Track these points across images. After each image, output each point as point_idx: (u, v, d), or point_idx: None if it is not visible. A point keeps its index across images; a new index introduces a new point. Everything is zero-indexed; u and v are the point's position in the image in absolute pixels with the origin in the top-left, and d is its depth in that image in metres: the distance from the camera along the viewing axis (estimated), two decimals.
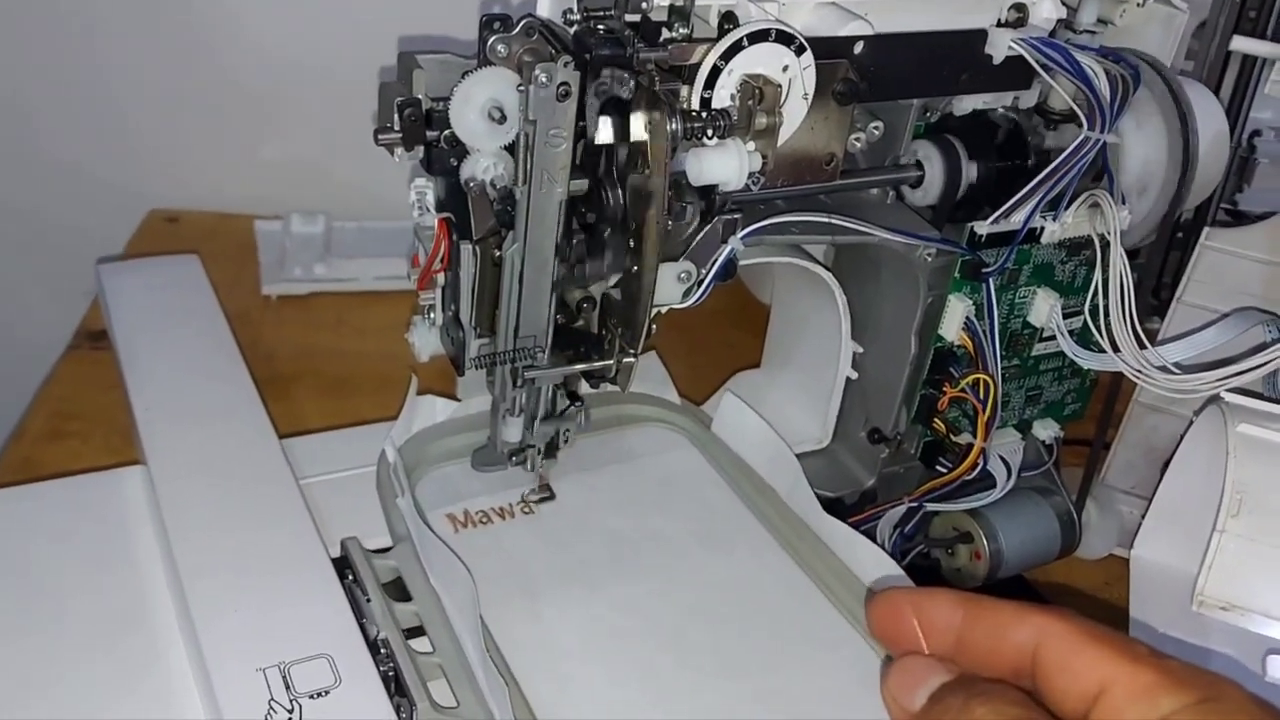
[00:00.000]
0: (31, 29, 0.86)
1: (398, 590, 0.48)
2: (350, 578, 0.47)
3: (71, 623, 0.45)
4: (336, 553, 0.49)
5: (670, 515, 0.56)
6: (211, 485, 0.50)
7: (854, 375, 0.60)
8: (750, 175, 0.45)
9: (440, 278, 0.48)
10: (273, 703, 0.39)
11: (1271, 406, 0.48)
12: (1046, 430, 0.63)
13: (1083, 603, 0.65)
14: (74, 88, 0.89)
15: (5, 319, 0.98)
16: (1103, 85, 0.51)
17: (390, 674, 0.43)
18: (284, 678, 0.40)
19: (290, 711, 0.39)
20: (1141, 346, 0.52)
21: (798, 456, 0.58)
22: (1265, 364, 0.45)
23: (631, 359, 0.49)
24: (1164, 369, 0.50)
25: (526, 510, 0.55)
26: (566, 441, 0.53)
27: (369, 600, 0.46)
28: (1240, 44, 0.59)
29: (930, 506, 0.61)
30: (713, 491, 0.58)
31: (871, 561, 0.51)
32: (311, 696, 0.40)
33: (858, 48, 0.47)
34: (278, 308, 0.82)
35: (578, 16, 0.45)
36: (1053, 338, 0.59)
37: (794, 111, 0.45)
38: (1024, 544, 0.61)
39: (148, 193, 0.92)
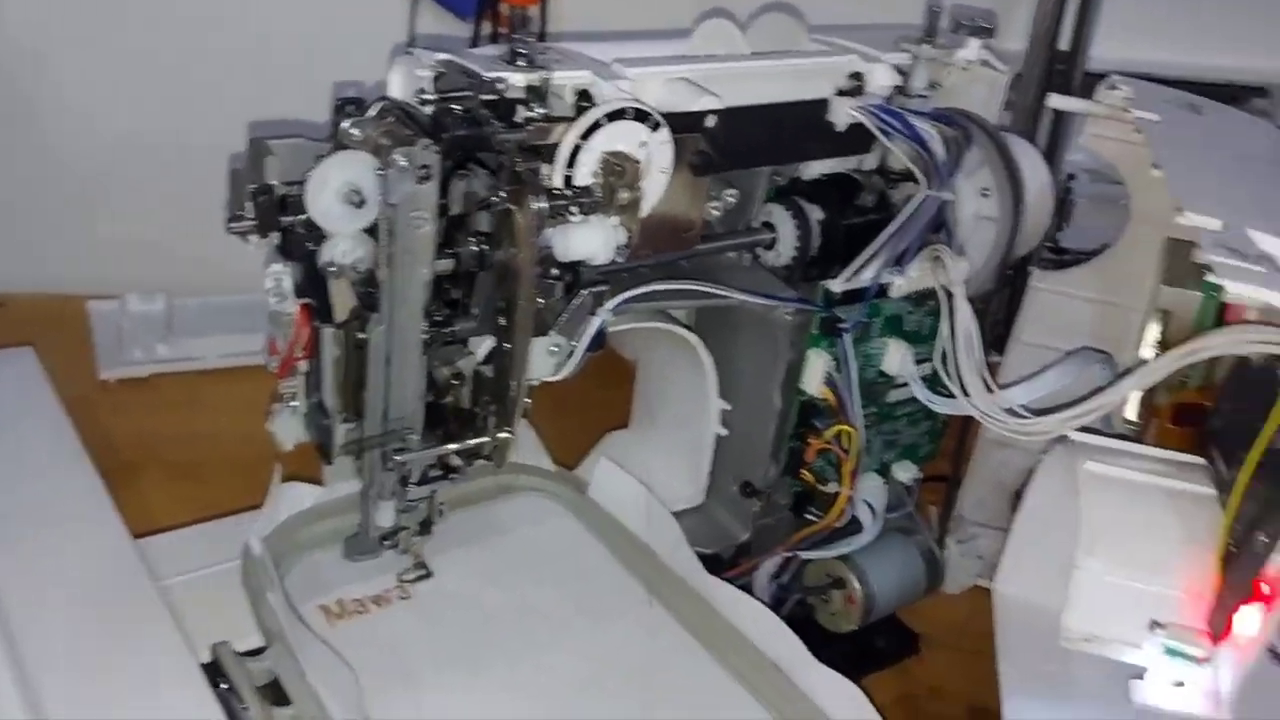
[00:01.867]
0: None
1: (275, 693, 0.46)
2: (224, 685, 0.45)
3: None
4: (206, 658, 0.46)
5: (552, 586, 0.55)
6: (65, 598, 0.47)
7: (723, 432, 0.61)
8: (616, 249, 0.45)
9: (302, 364, 0.47)
10: None
11: (1114, 443, 0.51)
12: (906, 472, 0.65)
13: (952, 636, 0.67)
14: None
15: None
16: (938, 146, 0.54)
17: None
18: None
19: None
20: (989, 390, 0.55)
21: (673, 515, 0.59)
22: (1103, 406, 0.48)
23: (507, 435, 0.48)
24: (1012, 412, 0.52)
25: (403, 595, 0.53)
26: (441, 515, 0.52)
27: (246, 709, 0.44)
28: (1055, 102, 0.64)
29: (804, 555, 0.63)
30: (593, 558, 0.58)
31: (754, 618, 0.52)
32: None
33: (710, 121, 0.48)
34: (117, 392, 0.78)
35: (433, 97, 0.45)
36: (906, 385, 0.61)
37: (654, 185, 0.46)
38: (893, 584, 0.64)
39: None
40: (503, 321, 0.46)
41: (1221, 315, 0.54)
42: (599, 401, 0.76)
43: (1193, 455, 0.50)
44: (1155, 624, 0.45)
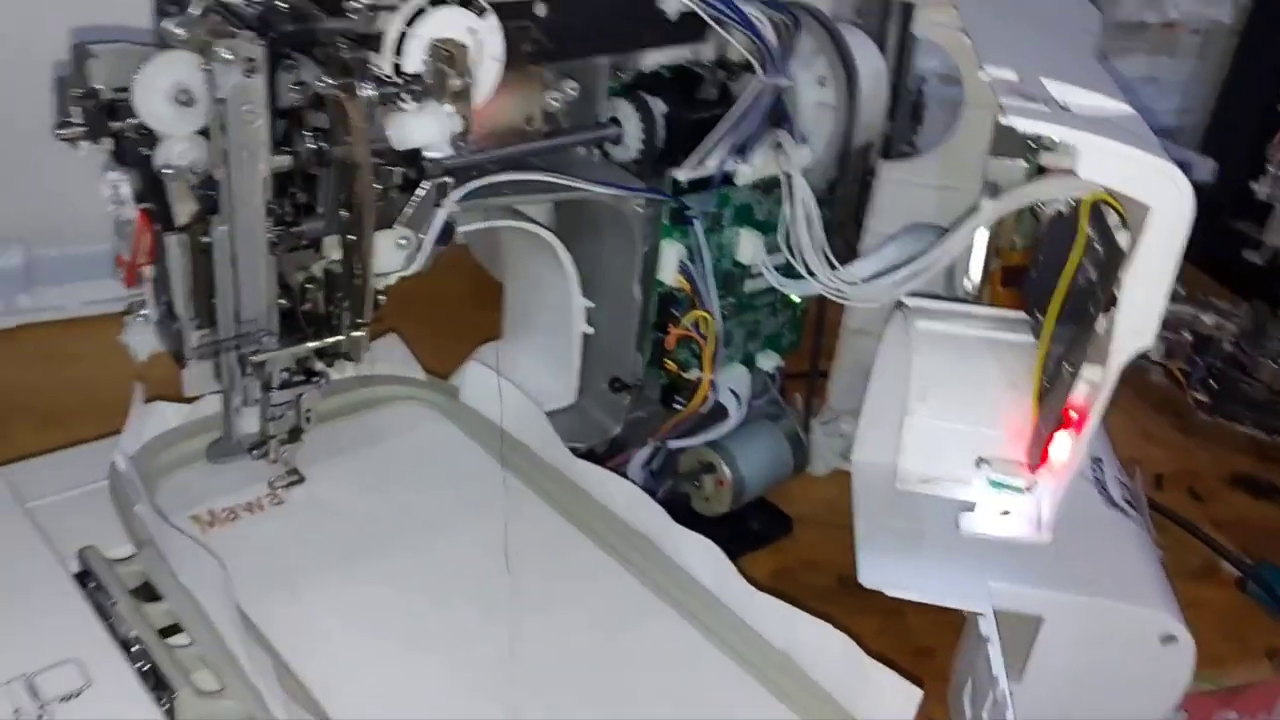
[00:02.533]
0: None
1: (147, 593, 0.46)
2: (93, 585, 0.45)
3: None
4: (76, 569, 0.47)
5: (426, 488, 0.57)
6: None
7: (590, 330, 0.63)
8: (453, 137, 0.46)
9: (148, 271, 0.47)
10: (18, 713, 0.37)
11: (945, 305, 0.55)
12: (769, 361, 0.68)
13: (823, 514, 0.71)
14: None
15: None
16: (768, 31, 0.56)
17: (146, 669, 0.41)
18: (29, 688, 0.39)
19: (40, 718, 0.37)
20: (833, 267, 0.58)
21: (548, 415, 0.61)
22: (929, 265, 0.51)
23: (361, 331, 0.49)
24: (852, 284, 0.55)
25: (276, 501, 0.54)
26: (309, 421, 0.53)
27: (115, 604, 0.44)
28: None
29: (673, 444, 0.65)
30: (467, 458, 0.59)
31: (624, 496, 0.54)
32: (63, 699, 0.38)
33: (539, 9, 0.49)
34: None
35: None
36: (762, 275, 0.64)
37: (487, 73, 0.47)
38: (761, 466, 0.67)
39: None
40: (348, 215, 0.46)
41: None
42: (477, 322, 0.78)
43: (1017, 310, 0.54)
44: (981, 461, 0.48)
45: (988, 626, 0.52)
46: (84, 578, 0.46)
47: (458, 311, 0.79)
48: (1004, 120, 0.41)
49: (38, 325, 0.79)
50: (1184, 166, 1.14)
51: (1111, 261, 0.43)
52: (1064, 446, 0.46)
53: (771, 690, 0.47)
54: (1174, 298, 0.89)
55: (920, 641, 0.63)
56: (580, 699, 0.46)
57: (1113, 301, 0.43)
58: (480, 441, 0.60)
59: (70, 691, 0.39)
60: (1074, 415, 0.45)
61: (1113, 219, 0.44)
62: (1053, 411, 0.46)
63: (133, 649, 0.42)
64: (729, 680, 0.47)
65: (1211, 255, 1.01)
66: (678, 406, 0.64)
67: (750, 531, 0.69)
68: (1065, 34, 0.55)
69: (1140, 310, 0.42)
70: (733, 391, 0.66)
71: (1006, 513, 0.48)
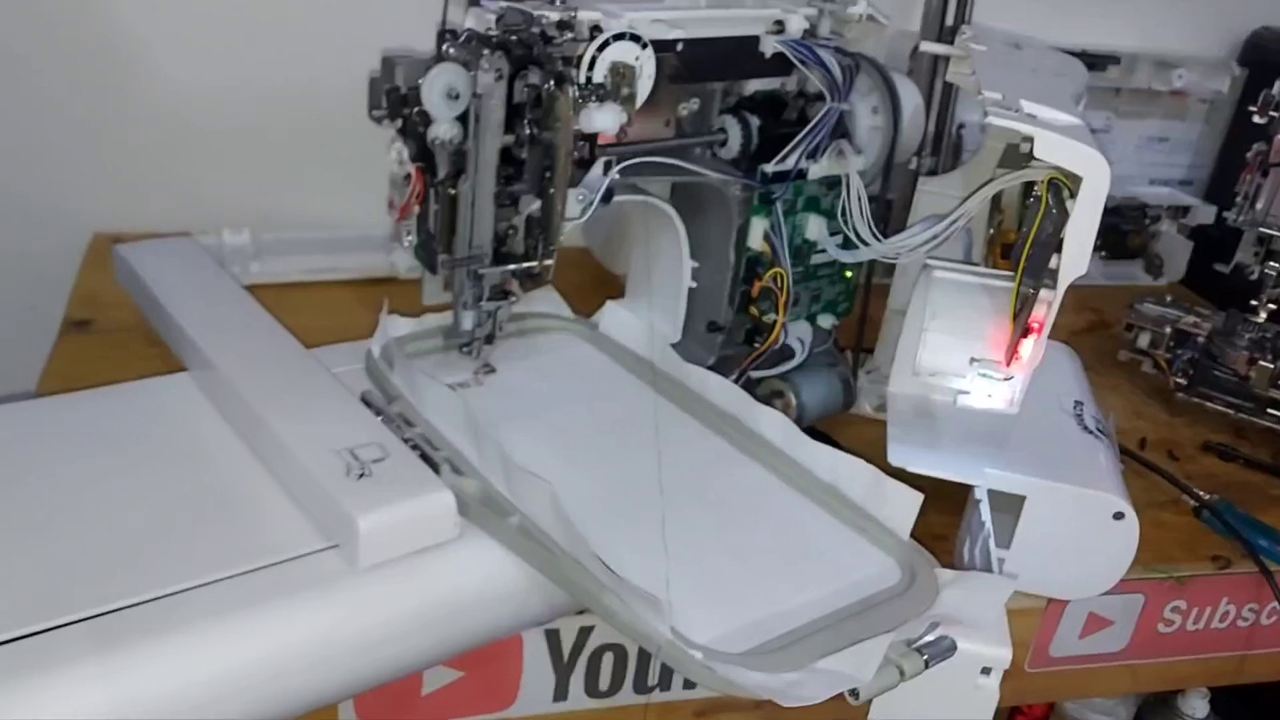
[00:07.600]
0: None
1: (404, 421, 0.69)
2: (374, 409, 0.68)
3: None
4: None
5: (574, 382, 0.79)
6: (266, 370, 0.70)
7: (694, 284, 0.85)
8: (621, 127, 0.70)
9: (415, 209, 0.71)
10: (350, 464, 0.60)
11: (957, 265, 0.76)
12: (827, 321, 0.90)
13: (866, 448, 0.91)
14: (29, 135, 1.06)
15: None
16: (835, 69, 0.78)
17: (420, 455, 0.64)
18: (352, 453, 0.61)
19: (362, 471, 0.60)
20: (877, 239, 0.80)
21: None
22: (937, 231, 0.73)
23: (550, 260, 0.72)
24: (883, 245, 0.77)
25: (478, 384, 0.77)
26: (500, 330, 0.76)
27: (391, 421, 0.67)
28: (925, 46, 0.89)
29: (754, 375, 0.87)
30: (603, 367, 0.82)
31: (716, 386, 0.76)
32: (374, 461, 0.61)
33: (679, 47, 0.73)
34: None
35: (499, 31, 0.69)
36: (825, 251, 0.86)
37: (643, 87, 0.71)
38: (818, 398, 0.88)
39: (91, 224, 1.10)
40: (548, 175, 0.69)
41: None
42: (599, 299, 1.00)
43: (1008, 270, 0.75)
44: (973, 359, 0.69)
45: (980, 492, 0.72)
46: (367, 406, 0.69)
47: (585, 293, 1.03)
48: (987, 120, 0.63)
49: (266, 285, 1.03)
50: (1188, 210, 1.37)
51: (1063, 220, 0.65)
52: (1029, 347, 0.67)
53: (823, 507, 0.68)
54: (1161, 302, 1.10)
55: (936, 531, 0.83)
56: (686, 513, 0.68)
57: (1060, 245, 0.64)
58: (612, 356, 0.83)
59: (378, 458, 0.61)
60: (1035, 325, 0.66)
61: (1065, 194, 0.66)
62: (1021, 324, 0.67)
63: (408, 442, 0.65)
64: (792, 504, 0.69)
65: (1208, 283, 1.21)
66: (757, 344, 0.86)
67: None
68: (1047, 78, 0.77)
69: (1076, 248, 0.63)
70: (799, 339, 0.88)
71: (990, 395, 0.69)
